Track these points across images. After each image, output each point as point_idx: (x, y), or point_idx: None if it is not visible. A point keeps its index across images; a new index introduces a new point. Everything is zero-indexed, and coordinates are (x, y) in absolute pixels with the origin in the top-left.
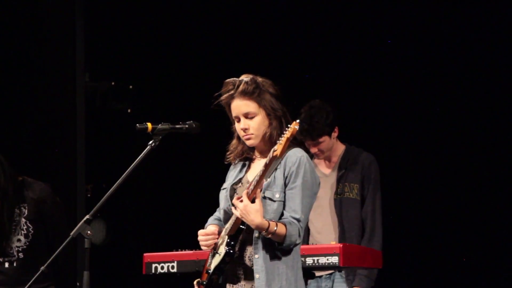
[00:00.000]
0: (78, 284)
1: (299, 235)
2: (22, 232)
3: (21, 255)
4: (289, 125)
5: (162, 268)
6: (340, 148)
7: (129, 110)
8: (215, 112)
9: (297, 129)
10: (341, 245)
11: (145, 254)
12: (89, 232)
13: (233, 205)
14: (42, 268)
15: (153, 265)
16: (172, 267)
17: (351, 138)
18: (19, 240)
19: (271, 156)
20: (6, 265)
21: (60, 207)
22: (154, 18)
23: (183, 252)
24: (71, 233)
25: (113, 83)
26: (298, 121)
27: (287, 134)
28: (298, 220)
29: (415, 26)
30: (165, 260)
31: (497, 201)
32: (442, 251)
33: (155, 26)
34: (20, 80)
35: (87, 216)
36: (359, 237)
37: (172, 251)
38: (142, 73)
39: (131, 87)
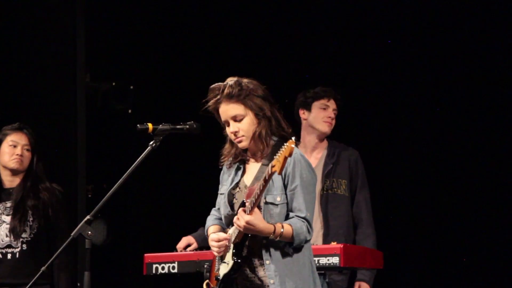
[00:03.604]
0: (78, 284)
1: (308, 232)
2: (28, 223)
3: (24, 246)
4: (285, 144)
5: (163, 268)
6: (324, 142)
7: (129, 111)
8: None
9: (294, 148)
10: (342, 246)
11: (145, 255)
12: (89, 232)
13: (231, 207)
14: (43, 268)
15: (154, 266)
16: (173, 268)
17: (352, 137)
18: (25, 231)
19: (270, 172)
20: (9, 256)
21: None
22: (154, 18)
23: (184, 252)
24: (72, 234)
25: (114, 84)
26: (294, 138)
27: (285, 152)
28: (305, 218)
29: (415, 26)
30: (165, 260)
31: (497, 201)
32: (442, 251)
33: (155, 26)
34: (21, 81)
35: (88, 217)
36: (348, 235)
37: (173, 251)
38: (143, 73)
39: (132, 87)
